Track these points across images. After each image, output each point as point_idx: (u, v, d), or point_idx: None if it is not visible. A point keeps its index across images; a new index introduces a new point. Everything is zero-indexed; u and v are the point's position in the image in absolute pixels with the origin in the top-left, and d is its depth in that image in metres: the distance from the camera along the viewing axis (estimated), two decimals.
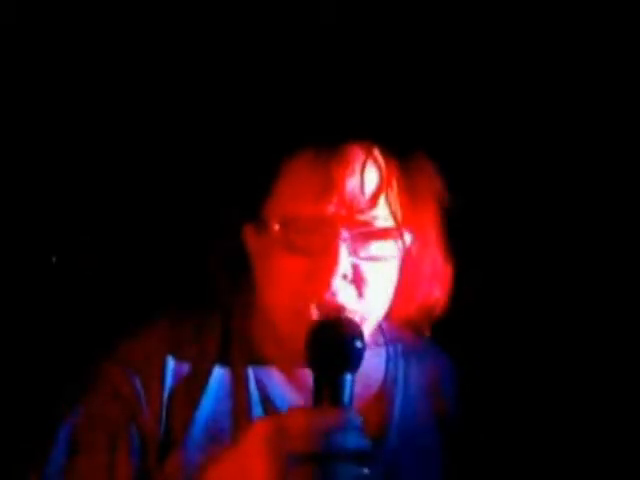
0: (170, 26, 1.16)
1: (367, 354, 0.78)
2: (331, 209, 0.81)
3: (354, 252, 0.81)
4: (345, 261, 0.80)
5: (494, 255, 1.14)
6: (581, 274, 1.14)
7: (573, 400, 1.10)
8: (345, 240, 0.80)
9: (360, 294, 0.82)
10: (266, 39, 1.16)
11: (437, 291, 0.91)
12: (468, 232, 0.96)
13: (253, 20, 1.16)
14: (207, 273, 0.99)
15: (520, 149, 1.16)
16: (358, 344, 0.76)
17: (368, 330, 0.86)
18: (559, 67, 1.13)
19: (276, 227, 0.83)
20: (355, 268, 0.82)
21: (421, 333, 0.96)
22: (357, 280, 0.82)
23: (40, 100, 1.18)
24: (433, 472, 0.93)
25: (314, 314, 0.81)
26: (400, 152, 0.86)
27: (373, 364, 0.95)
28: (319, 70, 1.11)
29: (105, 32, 1.16)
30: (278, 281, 0.83)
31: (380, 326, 0.96)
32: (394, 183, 0.84)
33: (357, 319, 0.82)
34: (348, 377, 0.73)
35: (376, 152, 0.84)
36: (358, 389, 0.76)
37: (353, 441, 0.68)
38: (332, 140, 0.83)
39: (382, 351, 0.98)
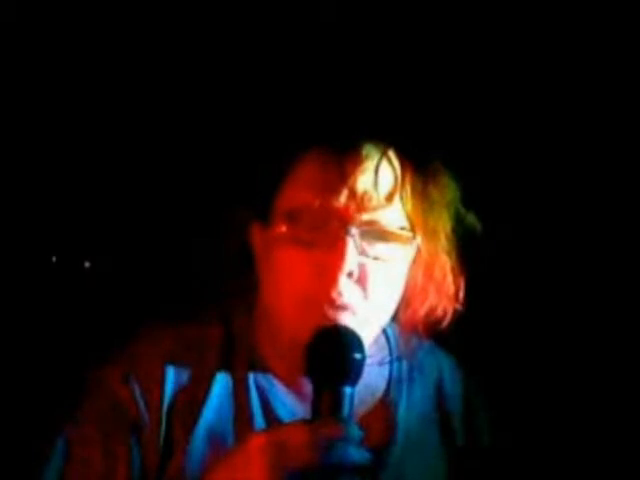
0: (175, 25, 1.15)
1: (369, 361, 0.77)
2: (340, 203, 0.79)
3: (362, 251, 0.79)
4: (352, 258, 0.78)
5: (500, 256, 1.13)
6: (587, 281, 1.14)
7: (577, 401, 1.10)
8: (353, 236, 0.78)
9: (365, 295, 0.81)
10: (273, 37, 1.15)
11: (446, 304, 0.88)
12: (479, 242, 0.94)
13: (263, 17, 1.15)
14: (208, 276, 0.99)
15: (541, 161, 1.15)
16: (357, 356, 0.74)
17: (370, 335, 0.84)
18: (580, 80, 1.12)
19: (283, 222, 0.81)
20: (362, 267, 0.80)
21: (426, 339, 0.95)
22: (362, 280, 0.80)
23: (40, 100, 1.18)
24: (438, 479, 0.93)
25: (319, 313, 0.79)
26: (416, 158, 0.84)
27: (376, 371, 0.93)
28: (331, 69, 1.11)
29: (107, 32, 1.15)
30: (283, 279, 0.82)
31: (385, 333, 0.96)
32: (408, 186, 0.82)
33: (360, 322, 0.80)
34: (347, 390, 0.72)
35: (391, 154, 0.82)
36: (361, 397, 0.75)
37: (353, 455, 0.68)
38: (346, 139, 0.82)
39: (385, 358, 0.97)
